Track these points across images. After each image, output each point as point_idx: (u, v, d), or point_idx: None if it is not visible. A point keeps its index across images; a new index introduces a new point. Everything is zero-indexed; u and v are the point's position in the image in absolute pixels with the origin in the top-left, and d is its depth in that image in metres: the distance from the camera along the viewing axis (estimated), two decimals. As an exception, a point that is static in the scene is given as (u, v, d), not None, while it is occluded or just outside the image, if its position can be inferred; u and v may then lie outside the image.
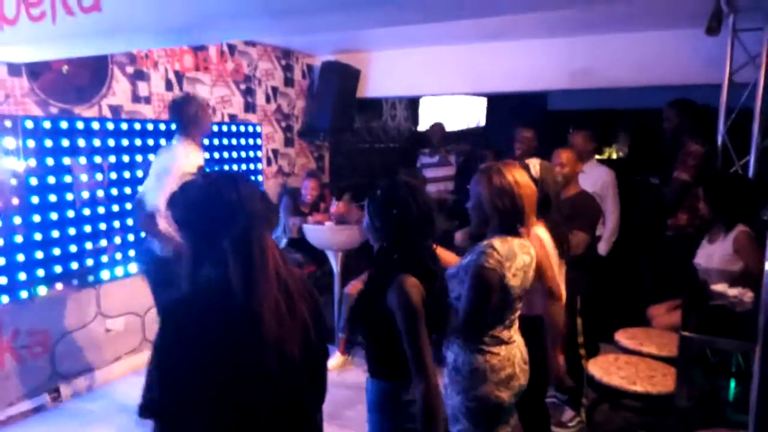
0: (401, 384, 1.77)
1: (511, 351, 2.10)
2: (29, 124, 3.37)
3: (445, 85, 5.47)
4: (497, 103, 7.79)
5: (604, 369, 2.79)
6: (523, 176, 2.10)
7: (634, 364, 2.85)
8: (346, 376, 3.95)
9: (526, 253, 2.10)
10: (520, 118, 6.76)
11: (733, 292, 2.83)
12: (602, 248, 4.01)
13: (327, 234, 4.36)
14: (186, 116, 3.25)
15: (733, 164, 3.56)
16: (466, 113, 8.15)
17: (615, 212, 4.01)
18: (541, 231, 2.45)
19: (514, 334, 2.16)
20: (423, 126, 7.71)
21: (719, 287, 2.87)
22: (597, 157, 4.75)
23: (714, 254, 3.16)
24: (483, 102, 8.10)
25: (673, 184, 3.77)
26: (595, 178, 3.89)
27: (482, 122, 8.17)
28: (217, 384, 1.24)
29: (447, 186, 5.72)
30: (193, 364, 1.21)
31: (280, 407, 1.34)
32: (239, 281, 1.24)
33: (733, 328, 2.45)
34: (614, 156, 8.61)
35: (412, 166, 5.98)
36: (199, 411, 1.24)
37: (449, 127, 7.98)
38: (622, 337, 3.20)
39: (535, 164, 2.50)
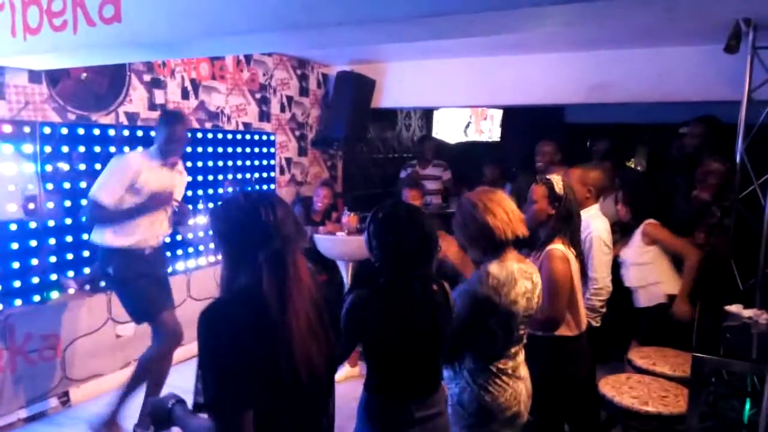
0: (386, 398, 1.78)
1: (518, 387, 2.06)
2: (47, 130, 3.41)
3: (460, 97, 5.47)
4: (513, 115, 7.73)
5: (616, 388, 2.74)
6: (497, 205, 2.03)
7: (646, 384, 2.80)
8: (345, 387, 3.88)
9: (528, 278, 2.02)
10: (537, 131, 6.72)
11: (747, 313, 2.79)
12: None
13: (338, 244, 4.35)
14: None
15: (752, 183, 3.50)
16: (483, 125, 8.11)
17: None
18: (566, 250, 2.39)
19: (521, 367, 2.10)
20: (437, 136, 7.69)
21: (734, 308, 2.83)
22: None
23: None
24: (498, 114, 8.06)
25: (693, 203, 3.72)
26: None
27: (497, 135, 8.14)
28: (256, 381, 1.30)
29: (433, 199, 5.74)
30: (237, 360, 1.28)
31: (303, 413, 1.42)
32: (274, 298, 1.31)
33: (748, 349, 2.41)
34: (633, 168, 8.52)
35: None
36: (250, 403, 1.29)
37: (465, 138, 7.99)
38: (635, 356, 3.15)
39: (558, 181, 2.46)
